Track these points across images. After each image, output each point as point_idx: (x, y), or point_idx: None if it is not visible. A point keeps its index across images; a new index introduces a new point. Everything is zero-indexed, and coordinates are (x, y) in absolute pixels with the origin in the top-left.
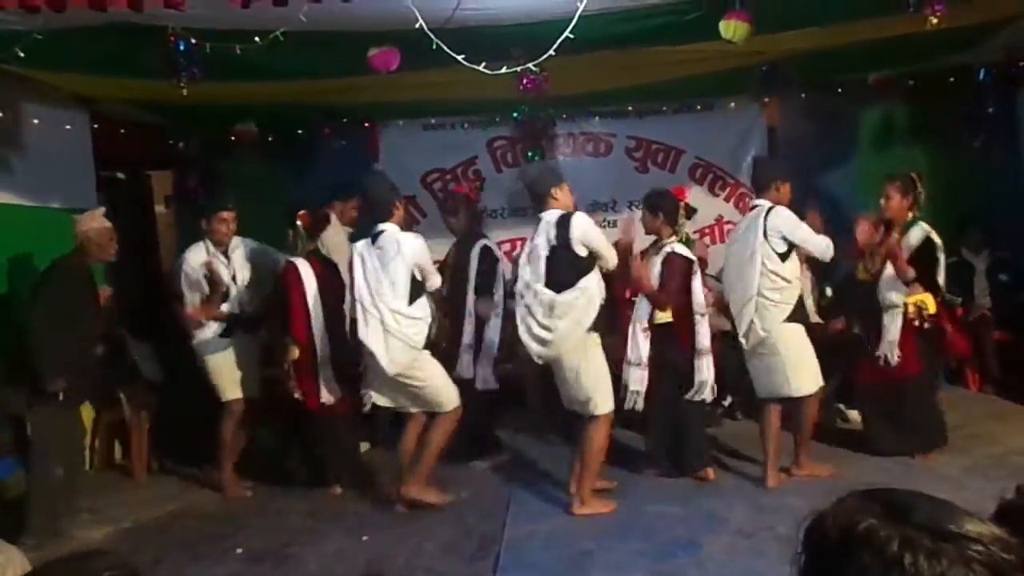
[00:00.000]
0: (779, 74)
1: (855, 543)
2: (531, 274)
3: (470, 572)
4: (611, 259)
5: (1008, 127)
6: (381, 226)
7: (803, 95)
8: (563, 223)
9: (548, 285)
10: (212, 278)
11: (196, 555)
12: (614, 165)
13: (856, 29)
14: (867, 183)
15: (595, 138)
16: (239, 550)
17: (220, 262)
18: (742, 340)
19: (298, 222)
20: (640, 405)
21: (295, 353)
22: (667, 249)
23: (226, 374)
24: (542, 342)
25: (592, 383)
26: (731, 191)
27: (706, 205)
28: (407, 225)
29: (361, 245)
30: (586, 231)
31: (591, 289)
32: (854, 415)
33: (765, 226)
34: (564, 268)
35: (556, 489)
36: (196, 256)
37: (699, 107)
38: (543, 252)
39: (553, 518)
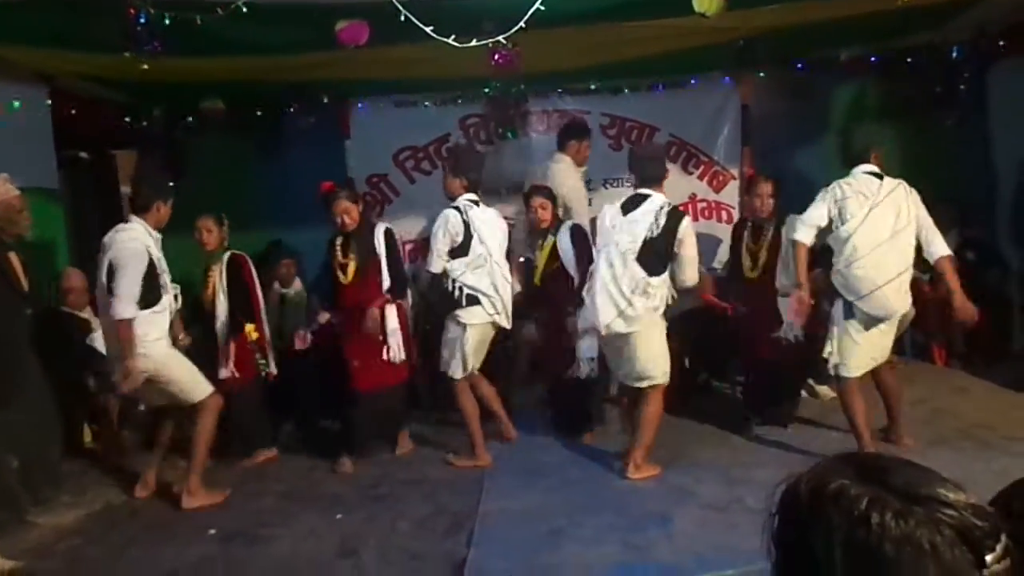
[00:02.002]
0: (753, 51)
1: (824, 502)
2: (628, 244)
3: (444, 549)
4: (692, 274)
5: (979, 106)
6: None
7: (777, 73)
8: (674, 217)
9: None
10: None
11: (168, 536)
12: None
13: (829, 6)
14: (839, 160)
15: (569, 115)
16: (212, 531)
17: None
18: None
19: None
20: (595, 372)
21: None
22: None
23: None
24: (622, 315)
25: (654, 358)
26: (704, 169)
27: (680, 183)
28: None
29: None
30: (690, 235)
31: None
32: (824, 390)
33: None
34: (657, 255)
35: (529, 467)
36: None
37: (673, 84)
38: (643, 232)
39: (526, 495)
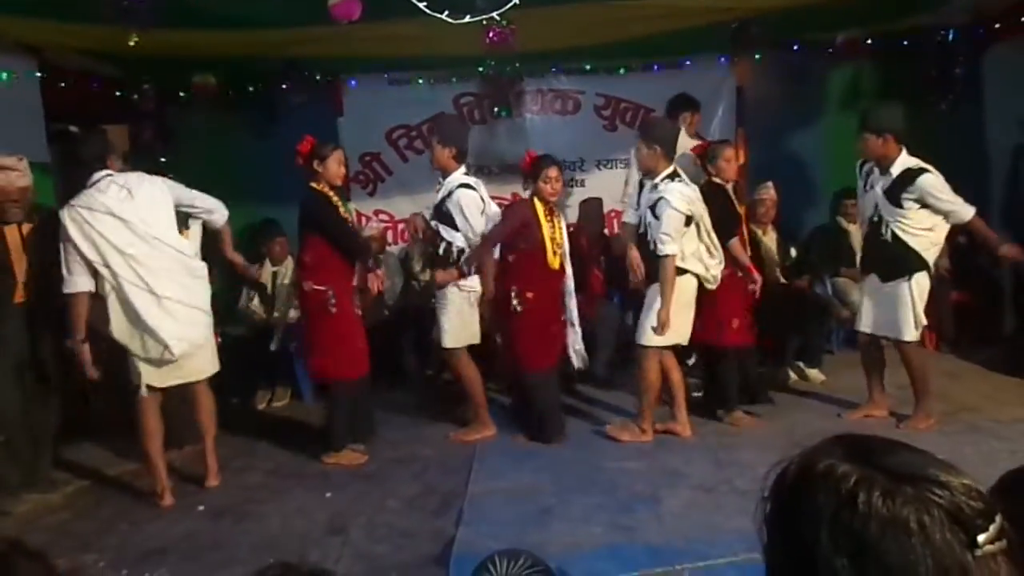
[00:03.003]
0: (749, 32)
1: (812, 481)
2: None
3: (433, 527)
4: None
5: (973, 89)
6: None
7: (772, 55)
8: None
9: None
10: None
11: (157, 512)
12: (582, 123)
13: None
14: (834, 142)
15: (563, 95)
16: (200, 507)
17: None
18: None
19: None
20: (584, 363)
21: None
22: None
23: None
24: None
25: (650, 317)
26: (698, 150)
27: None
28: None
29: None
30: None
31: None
32: (814, 373)
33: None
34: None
35: (518, 447)
36: None
37: (669, 65)
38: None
39: (515, 475)
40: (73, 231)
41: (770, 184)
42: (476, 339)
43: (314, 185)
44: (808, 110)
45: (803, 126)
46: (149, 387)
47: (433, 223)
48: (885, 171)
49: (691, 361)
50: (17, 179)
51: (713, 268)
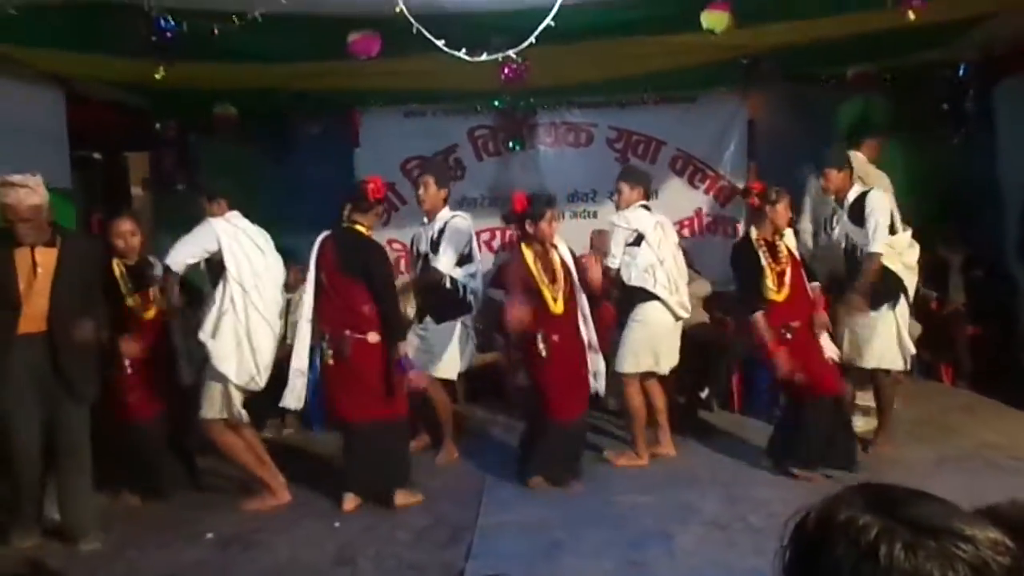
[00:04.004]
0: (760, 67)
1: (832, 532)
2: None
3: (442, 560)
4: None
5: (985, 123)
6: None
7: (783, 88)
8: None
9: None
10: None
11: (165, 539)
12: (595, 155)
13: (836, 23)
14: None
15: (576, 128)
16: (209, 535)
17: None
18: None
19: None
20: (602, 388)
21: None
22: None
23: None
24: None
25: (626, 344)
26: (711, 183)
27: (686, 197)
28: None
29: None
30: None
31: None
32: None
33: None
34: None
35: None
36: None
37: (680, 99)
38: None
39: (526, 508)
40: (225, 240)
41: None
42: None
43: (362, 229)
44: (820, 144)
45: (815, 159)
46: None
47: (433, 265)
48: (841, 201)
49: (704, 394)
50: (26, 196)
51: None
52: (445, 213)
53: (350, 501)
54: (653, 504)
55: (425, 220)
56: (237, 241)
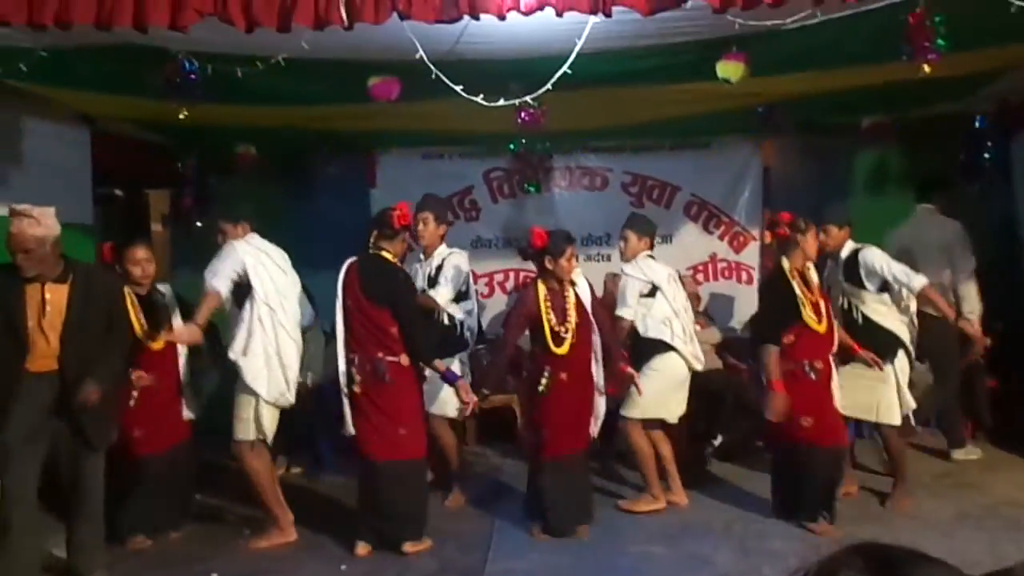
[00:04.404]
0: (775, 116)
1: None
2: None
3: None
4: None
5: (1002, 175)
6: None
7: (799, 137)
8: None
9: None
10: None
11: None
12: (610, 199)
13: (851, 74)
14: (860, 225)
15: (591, 172)
16: (214, 574)
17: None
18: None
19: None
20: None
21: None
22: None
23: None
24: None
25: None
26: (725, 229)
27: (700, 243)
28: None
29: None
30: None
31: None
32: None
33: None
34: None
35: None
36: None
37: (695, 145)
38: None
39: (535, 555)
40: (250, 261)
41: None
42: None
43: (388, 256)
44: (835, 192)
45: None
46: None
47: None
48: (836, 258)
49: (716, 442)
50: (29, 227)
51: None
52: (443, 250)
53: (362, 548)
54: (665, 555)
55: (422, 256)
56: (261, 262)
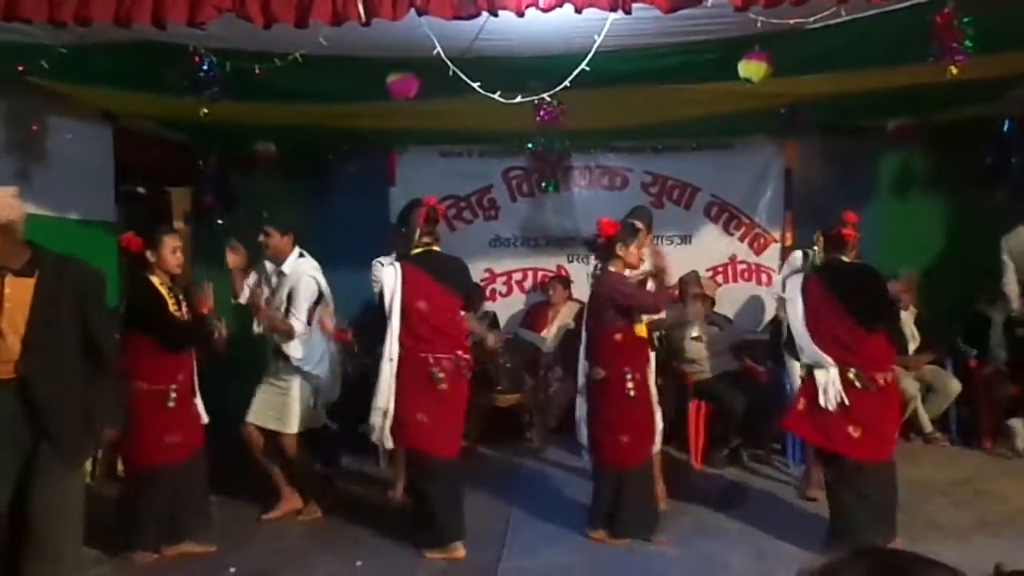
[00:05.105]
0: (798, 117)
1: None
2: None
3: None
4: None
5: None
6: None
7: (822, 138)
8: None
9: None
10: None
11: (188, 571)
12: (629, 199)
13: (876, 76)
14: (884, 228)
15: (611, 171)
16: (232, 569)
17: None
18: None
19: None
20: (583, 438)
21: None
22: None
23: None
24: None
25: None
26: (746, 231)
27: (720, 244)
28: None
29: None
30: None
31: None
32: None
33: None
34: None
35: (555, 522)
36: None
37: (717, 146)
38: None
39: (549, 553)
40: (316, 274)
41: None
42: None
43: (439, 248)
44: (858, 195)
45: (853, 211)
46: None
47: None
48: None
49: (733, 444)
50: None
51: None
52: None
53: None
54: (679, 556)
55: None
56: (319, 270)
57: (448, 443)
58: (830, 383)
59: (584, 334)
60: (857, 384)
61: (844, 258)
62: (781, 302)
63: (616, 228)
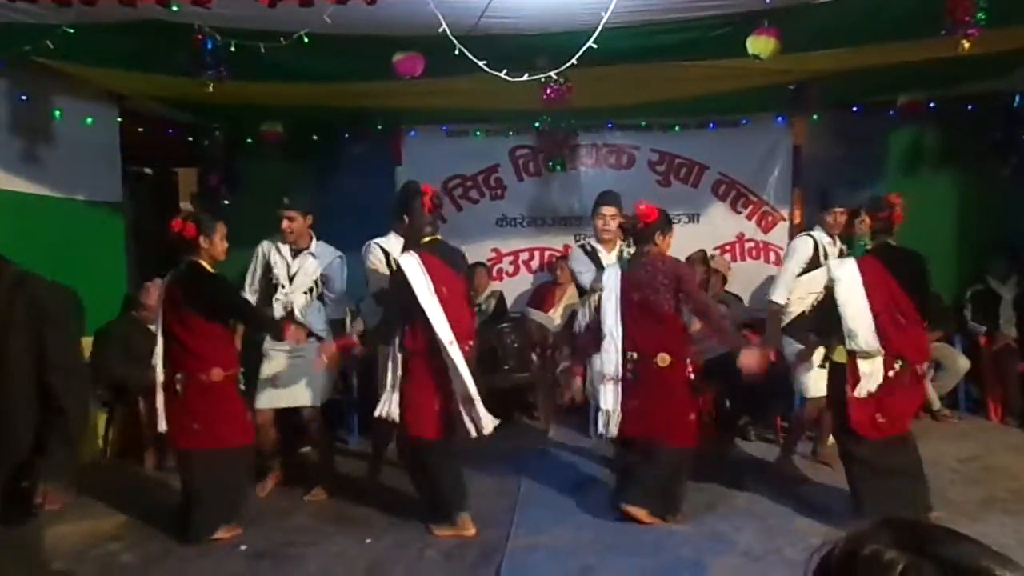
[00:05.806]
0: (807, 93)
1: (857, 567)
2: None
3: None
4: None
5: None
6: None
7: (830, 115)
8: None
9: None
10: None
11: (203, 550)
12: (636, 178)
13: (886, 51)
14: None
15: (618, 150)
16: (243, 547)
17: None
18: None
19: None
20: (614, 429)
21: None
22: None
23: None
24: None
25: None
26: (753, 209)
27: (728, 222)
28: None
29: None
30: None
31: None
32: None
33: None
34: None
35: (563, 500)
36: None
37: (724, 123)
38: None
39: (558, 530)
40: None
41: None
42: None
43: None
44: (867, 171)
45: (862, 187)
46: None
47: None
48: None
49: (742, 422)
50: None
51: None
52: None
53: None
54: (688, 533)
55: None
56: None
57: (435, 425)
58: (875, 372)
59: (619, 318)
60: (898, 373)
61: (891, 241)
62: (829, 285)
63: (657, 215)
